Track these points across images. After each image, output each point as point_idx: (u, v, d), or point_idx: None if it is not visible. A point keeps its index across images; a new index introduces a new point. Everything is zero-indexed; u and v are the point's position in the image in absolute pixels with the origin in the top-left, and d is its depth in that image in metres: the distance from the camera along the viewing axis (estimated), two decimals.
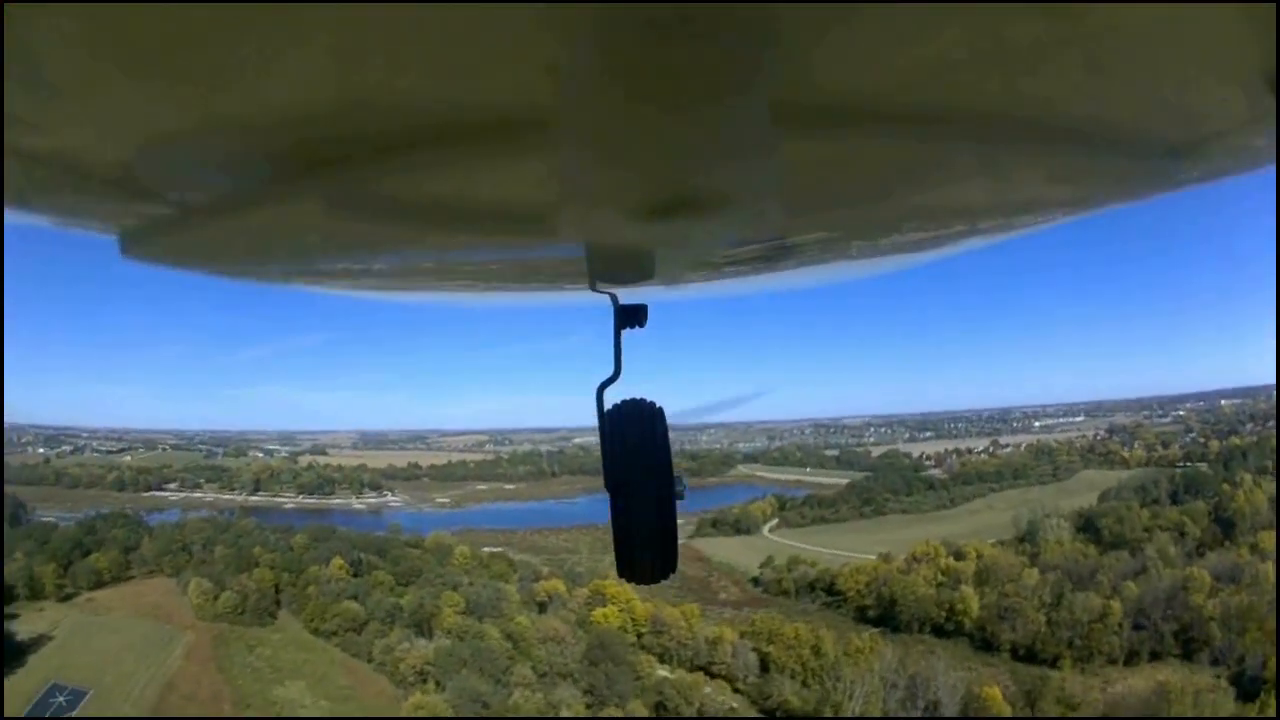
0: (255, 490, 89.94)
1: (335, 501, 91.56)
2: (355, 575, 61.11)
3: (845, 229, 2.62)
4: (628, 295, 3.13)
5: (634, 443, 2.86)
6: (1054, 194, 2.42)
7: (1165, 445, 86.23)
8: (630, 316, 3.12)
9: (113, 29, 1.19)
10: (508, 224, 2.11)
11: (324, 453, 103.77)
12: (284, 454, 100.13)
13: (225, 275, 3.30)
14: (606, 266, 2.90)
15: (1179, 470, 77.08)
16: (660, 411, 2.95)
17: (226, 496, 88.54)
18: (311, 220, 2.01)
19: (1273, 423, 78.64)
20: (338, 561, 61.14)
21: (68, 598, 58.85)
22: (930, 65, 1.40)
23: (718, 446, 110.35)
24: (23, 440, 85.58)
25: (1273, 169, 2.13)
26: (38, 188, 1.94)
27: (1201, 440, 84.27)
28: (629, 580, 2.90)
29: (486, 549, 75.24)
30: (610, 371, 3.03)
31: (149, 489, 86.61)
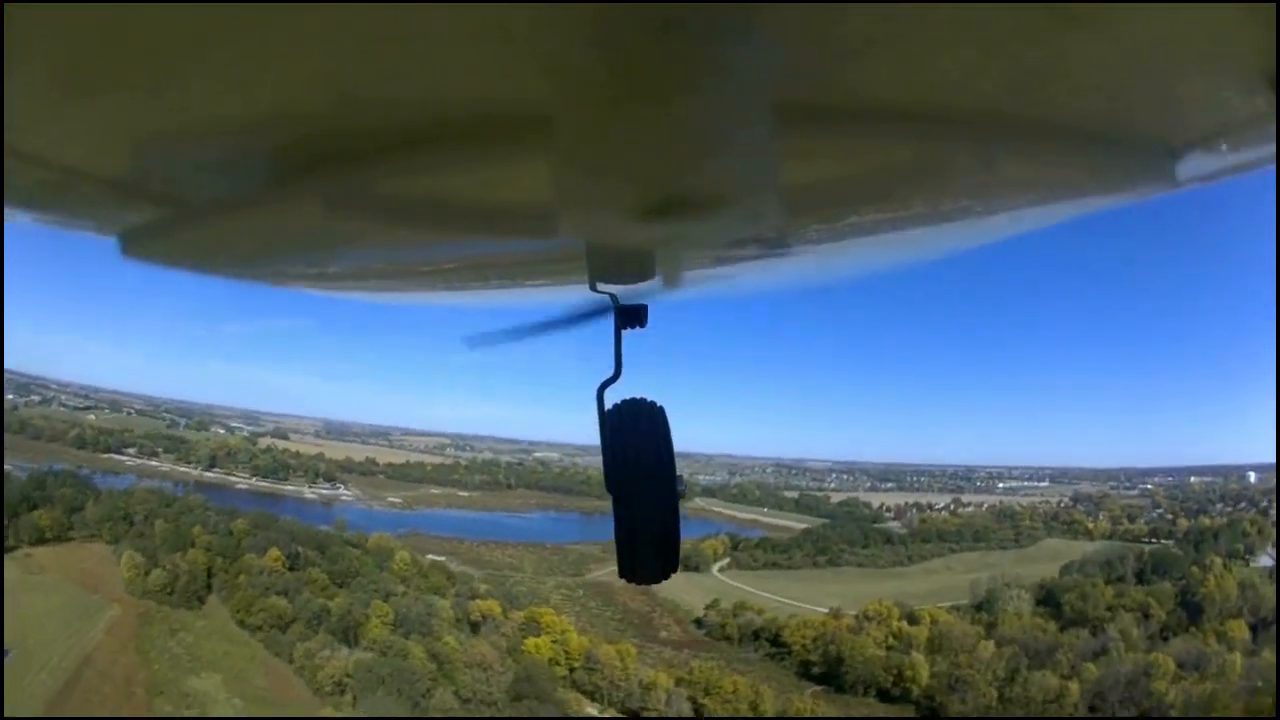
0: (211, 466, 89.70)
1: (288, 488, 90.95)
2: (291, 569, 61.19)
3: (844, 228, 2.59)
4: (627, 295, 3.11)
5: (635, 443, 2.83)
6: (1054, 193, 2.39)
7: (1131, 519, 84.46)
8: (630, 316, 3.09)
9: (113, 30, 1.21)
10: (506, 223, 2.13)
11: (286, 437, 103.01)
12: (246, 433, 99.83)
13: (225, 275, 3.28)
14: (606, 266, 2.87)
15: (1146, 547, 75.49)
16: (661, 411, 2.91)
17: (182, 469, 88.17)
18: (311, 220, 2.00)
19: (1244, 505, 77.57)
20: (274, 553, 61.35)
21: (6, 549, 58.42)
22: (929, 65, 1.43)
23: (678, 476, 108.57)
24: None
25: (1273, 169, 2.13)
26: (38, 188, 1.96)
27: (1169, 517, 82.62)
28: (631, 581, 2.88)
29: (430, 556, 74.82)
30: (611, 371, 3.01)
31: (108, 450, 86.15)
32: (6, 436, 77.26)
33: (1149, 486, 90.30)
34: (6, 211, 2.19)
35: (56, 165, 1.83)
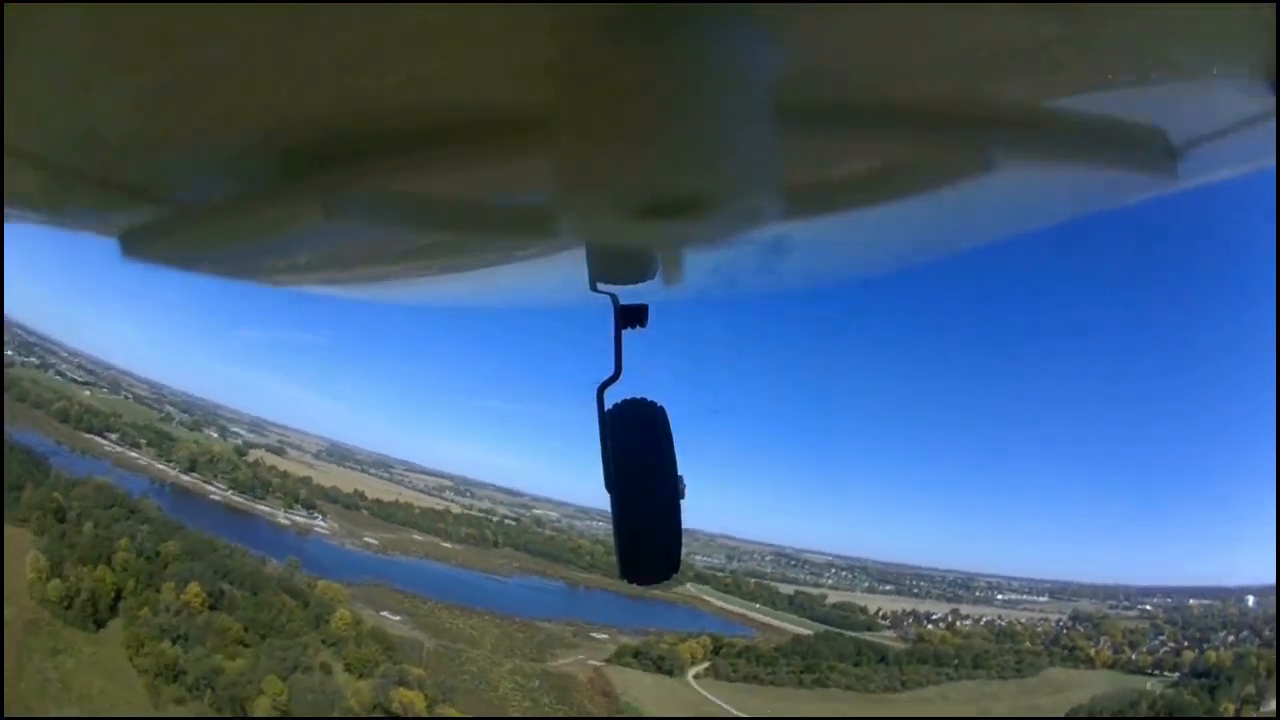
0: (190, 470, 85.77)
1: (262, 508, 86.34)
2: (211, 608, 55.47)
3: (843, 228, 2.57)
4: (628, 295, 3.11)
5: (635, 442, 2.84)
6: (1054, 193, 2.40)
7: (1133, 645, 78.58)
8: (631, 317, 3.13)
9: (113, 29, 1.20)
10: (507, 224, 2.09)
11: (283, 452, 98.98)
12: (240, 441, 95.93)
13: (225, 275, 3.36)
14: (606, 266, 2.88)
15: (1149, 681, 70.63)
16: (662, 411, 2.94)
17: (160, 466, 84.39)
18: (311, 221, 1.94)
19: (1246, 633, 72.15)
20: (194, 588, 55.61)
21: None
22: (929, 64, 1.42)
23: None
24: None
25: (1273, 169, 2.06)
26: (38, 188, 1.94)
27: (1173, 645, 76.63)
28: (632, 581, 2.91)
29: (384, 613, 69.24)
30: (611, 371, 3.05)
31: (90, 430, 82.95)
32: None
33: (1148, 608, 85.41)
34: (6, 211, 2.15)
35: (56, 165, 1.85)
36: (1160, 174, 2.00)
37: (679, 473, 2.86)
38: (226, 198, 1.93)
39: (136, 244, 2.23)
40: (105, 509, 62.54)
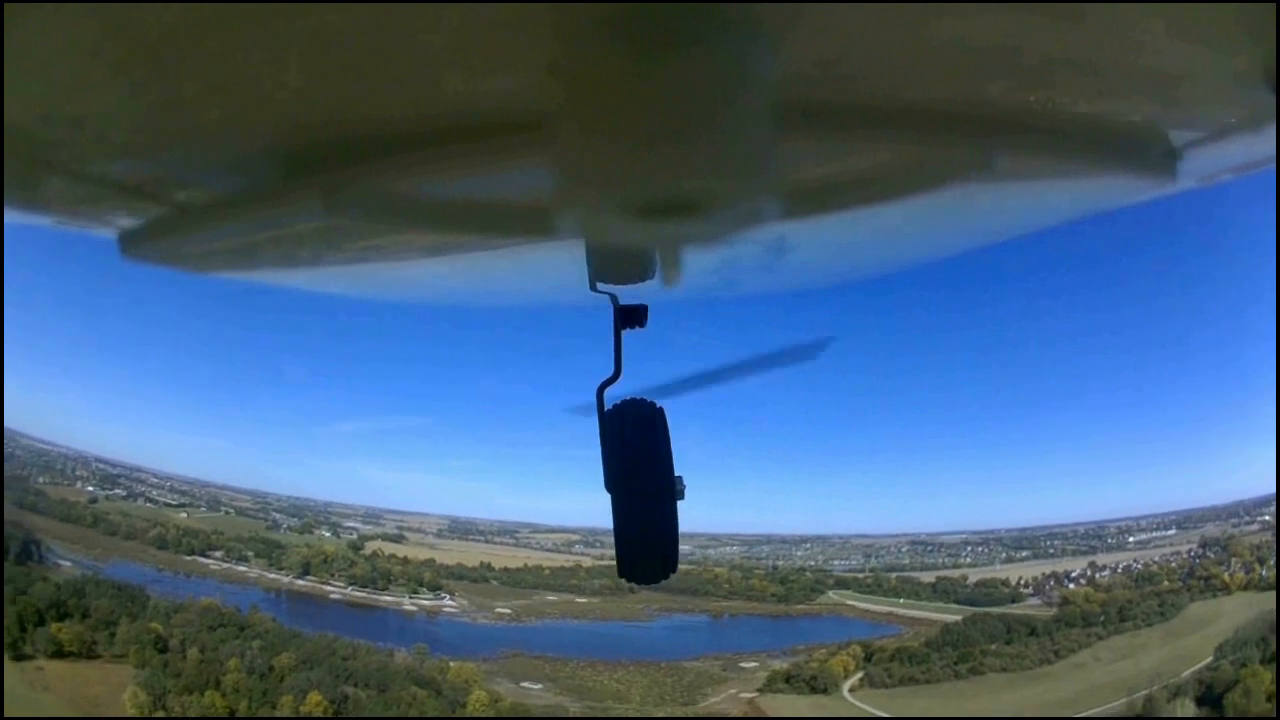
0: (304, 574, 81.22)
1: (386, 599, 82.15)
2: (335, 715, 50.05)
3: (843, 228, 2.53)
4: (627, 295, 3.10)
5: (634, 442, 2.84)
6: (1055, 193, 2.35)
7: (1261, 561, 76.37)
8: (630, 317, 3.12)
9: (113, 30, 1.20)
10: (507, 223, 2.07)
11: (402, 539, 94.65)
12: (355, 535, 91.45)
13: (225, 275, 3.27)
14: (606, 266, 2.88)
15: None
16: (660, 411, 2.93)
17: (272, 575, 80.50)
18: (310, 220, 1.95)
19: None
20: (315, 697, 50.02)
21: (22, 657, 51.11)
22: (929, 64, 1.41)
23: (811, 564, 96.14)
24: (76, 474, 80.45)
25: (1273, 169, 2.06)
26: (38, 188, 1.91)
27: None
28: (630, 580, 2.95)
29: (523, 684, 64.65)
30: (610, 371, 3.05)
31: (192, 553, 79.36)
32: (75, 531, 71.74)
33: (1267, 518, 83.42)
34: (7, 212, 2.14)
35: (57, 165, 1.82)
36: (1160, 174, 1.96)
37: (677, 473, 2.83)
38: (226, 197, 1.89)
39: (135, 244, 2.19)
40: (212, 630, 57.95)
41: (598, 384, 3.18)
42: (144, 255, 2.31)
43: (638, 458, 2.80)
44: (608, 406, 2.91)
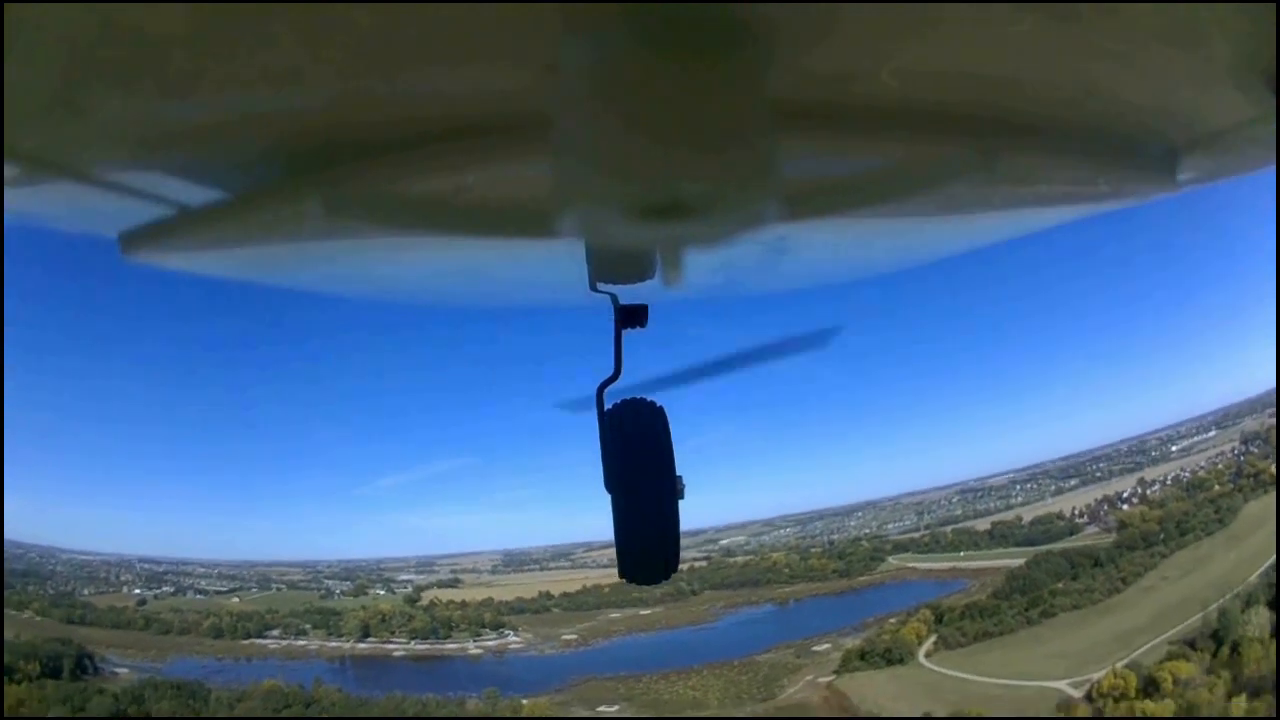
0: (365, 637, 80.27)
1: (450, 646, 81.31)
2: None
3: (844, 228, 2.54)
4: (627, 295, 3.11)
5: (634, 442, 2.84)
6: (1055, 193, 2.34)
7: None
8: (631, 317, 3.14)
9: (113, 30, 1.21)
10: (506, 223, 2.09)
11: (457, 583, 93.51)
12: (410, 588, 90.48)
13: (226, 275, 3.26)
14: (606, 266, 2.87)
15: None
16: (661, 411, 2.93)
17: (333, 644, 79.55)
18: (311, 220, 1.96)
19: None
20: None
21: None
22: (929, 65, 1.43)
23: (866, 532, 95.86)
24: (121, 579, 79.91)
25: (1273, 169, 2.05)
26: (38, 188, 1.93)
27: None
28: (630, 581, 2.91)
29: (599, 709, 64.06)
30: (611, 371, 3.06)
31: (248, 637, 78.55)
32: (128, 636, 71.59)
33: None
34: (7, 212, 2.17)
35: (57, 165, 1.85)
36: (1160, 175, 1.97)
37: (678, 473, 2.83)
38: (226, 197, 1.90)
39: (136, 244, 2.20)
40: (277, 713, 57.49)
41: (597, 385, 3.17)
42: (144, 255, 2.27)
43: (639, 458, 2.78)
44: (608, 406, 2.91)
